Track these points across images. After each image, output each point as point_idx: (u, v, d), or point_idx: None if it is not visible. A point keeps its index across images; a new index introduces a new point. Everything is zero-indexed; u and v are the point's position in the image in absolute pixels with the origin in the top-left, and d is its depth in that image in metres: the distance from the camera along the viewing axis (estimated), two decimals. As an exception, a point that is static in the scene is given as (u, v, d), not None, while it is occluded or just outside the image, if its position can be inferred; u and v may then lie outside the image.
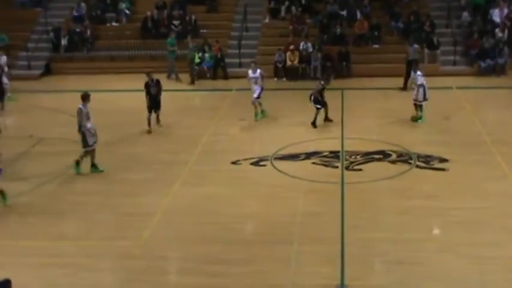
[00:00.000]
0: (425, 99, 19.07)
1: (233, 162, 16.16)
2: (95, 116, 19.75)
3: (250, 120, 19.59)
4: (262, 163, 16.13)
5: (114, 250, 11.93)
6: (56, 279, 10.96)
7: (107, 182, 15.29)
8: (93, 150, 15.75)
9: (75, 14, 28.43)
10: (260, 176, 15.47)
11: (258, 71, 19.66)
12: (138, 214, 13.44)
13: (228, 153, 16.77)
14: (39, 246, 12.13)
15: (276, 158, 16.38)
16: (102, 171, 15.75)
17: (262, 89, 19.58)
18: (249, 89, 20.01)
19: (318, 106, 18.69)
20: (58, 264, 11.42)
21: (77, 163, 15.73)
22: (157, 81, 18.93)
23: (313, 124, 18.66)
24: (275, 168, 15.83)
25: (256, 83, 19.57)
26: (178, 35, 26.50)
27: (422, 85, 19.02)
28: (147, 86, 18.79)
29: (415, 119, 19.08)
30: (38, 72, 26.51)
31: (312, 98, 18.76)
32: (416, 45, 23.68)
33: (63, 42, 27.24)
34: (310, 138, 17.86)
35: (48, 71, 26.85)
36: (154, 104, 18.79)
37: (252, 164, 16.10)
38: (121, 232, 12.66)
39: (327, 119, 19.04)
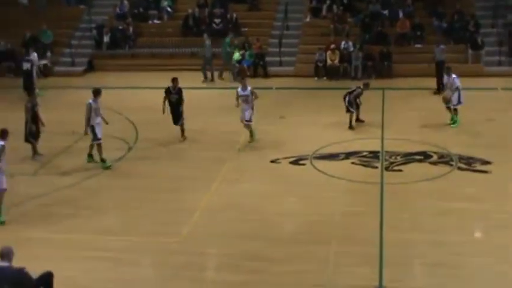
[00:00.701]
0: (459, 102, 18.54)
1: (272, 161, 16.20)
2: (137, 112, 20.11)
3: (290, 118, 19.58)
4: (301, 162, 16.13)
5: (155, 245, 12.08)
6: (98, 273, 11.15)
7: (148, 178, 15.47)
8: (100, 145, 16.10)
9: (118, 11, 28.80)
10: (299, 174, 15.47)
11: (249, 88, 17.83)
12: (178, 210, 13.58)
13: (268, 151, 16.81)
14: (82, 240, 12.34)
15: (315, 157, 16.36)
16: (109, 166, 16.11)
17: (252, 110, 17.73)
18: (289, 88, 20.04)
19: (352, 110, 18.51)
20: (100, 258, 11.61)
21: (90, 155, 16.33)
22: (179, 90, 17.88)
23: (351, 127, 18.48)
24: (314, 167, 15.81)
25: (246, 101, 17.68)
26: (218, 33, 26.65)
27: (457, 88, 18.49)
28: (167, 92, 17.87)
29: (452, 123, 18.61)
30: (81, 68, 26.93)
31: (347, 100, 18.48)
32: (442, 46, 23.23)
33: (106, 39, 27.62)
34: (350, 138, 17.79)
35: (90, 68, 27.26)
36: (174, 115, 17.79)
37: (291, 162, 16.12)
38: (162, 228, 12.81)
39: (358, 120, 18.90)
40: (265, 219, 13.07)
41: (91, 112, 15.89)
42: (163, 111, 17.60)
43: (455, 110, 18.62)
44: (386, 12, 27.26)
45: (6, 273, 9.01)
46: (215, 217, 13.27)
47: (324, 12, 27.91)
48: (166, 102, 17.80)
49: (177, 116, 17.79)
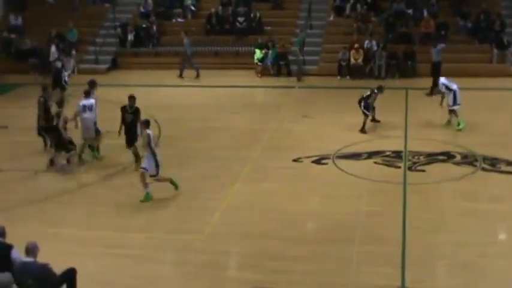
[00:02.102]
0: (455, 103, 18.10)
1: (295, 160, 16.18)
2: (159, 110, 20.20)
3: (313, 117, 19.54)
4: (323, 161, 16.09)
5: (177, 243, 12.14)
6: (121, 270, 11.22)
7: (172, 175, 15.50)
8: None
9: (142, 10, 28.97)
10: (321, 174, 15.43)
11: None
12: (201, 208, 13.62)
13: (290, 150, 16.79)
14: (105, 237, 12.43)
15: (337, 157, 16.31)
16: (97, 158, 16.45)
17: None
18: (312, 87, 20.01)
19: (368, 113, 18.22)
20: (123, 255, 11.68)
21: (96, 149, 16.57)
22: (137, 109, 15.64)
23: (363, 130, 18.05)
24: (336, 166, 15.76)
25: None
26: (242, 32, 26.70)
27: (452, 90, 18.09)
28: (123, 111, 15.68)
29: (458, 126, 18.20)
30: (105, 66, 27.12)
31: (363, 104, 18.15)
32: (442, 45, 22.74)
33: (130, 37, 27.77)
34: (373, 138, 17.70)
35: (114, 66, 27.44)
36: (128, 136, 15.65)
37: (313, 162, 16.08)
38: (184, 226, 12.85)
39: (374, 120, 18.72)
40: (287, 219, 13.05)
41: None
42: (119, 133, 15.74)
43: (454, 111, 18.20)
44: (410, 11, 27.08)
45: (31, 268, 9.16)
46: (237, 216, 13.29)
47: (347, 11, 27.81)
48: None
49: (131, 138, 15.67)
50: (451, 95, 18.17)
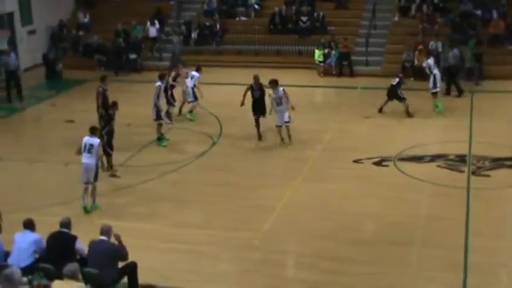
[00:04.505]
0: (435, 86, 19.62)
1: (355, 161, 16.01)
2: (221, 108, 20.34)
3: (375, 118, 19.33)
4: (384, 163, 15.88)
5: (234, 241, 12.19)
6: (179, 264, 11.35)
7: (231, 174, 15.61)
8: (161, 125, 17.34)
9: (206, 8, 29.18)
10: (382, 176, 15.23)
11: (280, 89, 16.90)
12: (259, 207, 13.64)
13: (351, 151, 16.62)
14: (164, 232, 12.59)
15: (399, 159, 16.07)
16: (165, 146, 17.22)
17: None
18: (375, 88, 19.74)
19: (405, 97, 19.39)
20: (181, 250, 11.82)
21: (159, 138, 17.26)
22: (261, 86, 17.57)
23: (410, 114, 19.25)
24: (398, 169, 15.53)
25: (281, 103, 16.86)
26: (305, 32, 26.61)
27: (431, 71, 19.66)
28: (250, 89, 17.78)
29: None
30: (168, 63, 27.41)
31: (400, 92, 19.36)
32: (457, 50, 22.56)
33: (194, 35, 28.05)
34: (436, 140, 17.38)
35: (172, 62, 27.68)
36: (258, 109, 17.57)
37: (374, 163, 15.89)
38: (242, 223, 12.90)
39: (380, 111, 19.63)
40: (346, 220, 12.94)
41: (159, 93, 17.11)
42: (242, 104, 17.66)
43: (434, 94, 19.61)
44: (479, 12, 26.41)
45: (106, 244, 9.69)
46: (295, 215, 13.25)
47: (412, 11, 27.33)
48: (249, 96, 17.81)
49: (262, 110, 17.53)
50: (431, 78, 19.61)
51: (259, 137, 17.57)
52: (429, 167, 15.59)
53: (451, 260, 11.19)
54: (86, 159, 13.44)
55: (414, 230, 12.49)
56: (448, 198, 13.84)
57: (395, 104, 19.84)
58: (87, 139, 13.50)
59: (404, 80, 20.09)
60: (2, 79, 23.59)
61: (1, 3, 23.45)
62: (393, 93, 19.54)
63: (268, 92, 17.23)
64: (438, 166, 15.62)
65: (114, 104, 15.73)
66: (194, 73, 19.75)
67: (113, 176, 15.38)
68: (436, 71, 19.78)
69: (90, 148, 13.38)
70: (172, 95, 18.99)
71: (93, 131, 13.69)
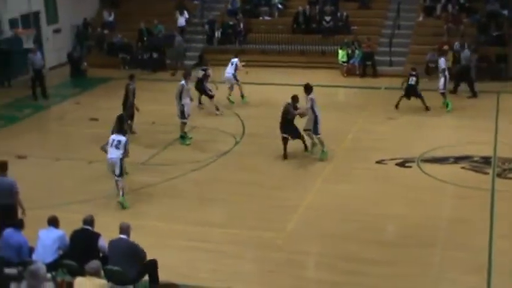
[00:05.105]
0: (445, 87, 19.96)
1: (378, 162, 15.93)
2: (244, 107, 20.38)
3: (398, 119, 19.21)
4: (408, 164, 15.77)
5: (257, 240, 12.18)
6: (200, 263, 11.37)
7: (253, 173, 15.61)
8: (186, 124, 17.46)
9: (230, 7, 29.23)
10: (405, 177, 15.14)
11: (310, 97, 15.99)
12: (281, 207, 13.62)
13: (374, 151, 16.54)
14: (186, 230, 12.62)
15: (422, 160, 15.95)
16: (188, 144, 17.29)
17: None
18: (399, 88, 19.63)
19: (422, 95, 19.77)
20: (203, 249, 11.84)
21: (182, 136, 17.38)
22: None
23: (428, 108, 19.77)
24: (421, 170, 15.42)
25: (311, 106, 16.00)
26: (329, 31, 26.53)
27: (443, 70, 19.91)
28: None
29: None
30: (191, 62, 27.49)
31: (418, 89, 19.72)
32: (467, 51, 22.39)
33: (217, 34, 28.11)
34: (460, 142, 17.19)
35: (201, 62, 27.73)
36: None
37: (397, 164, 15.79)
38: (265, 223, 12.89)
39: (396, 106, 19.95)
40: (368, 221, 12.88)
41: (182, 91, 17.18)
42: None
43: (443, 94, 19.91)
44: (506, 12, 26.10)
45: (125, 243, 9.71)
46: (318, 216, 13.22)
47: (438, 11, 27.13)
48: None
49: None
50: (443, 79, 19.83)
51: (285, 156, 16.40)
52: (453, 169, 15.45)
53: (475, 262, 11.09)
54: (112, 154, 13.69)
55: (437, 231, 12.40)
56: (472, 200, 13.71)
57: (418, 104, 19.71)
58: (115, 136, 13.83)
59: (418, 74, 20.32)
60: (29, 77, 23.94)
61: (27, 3, 23.71)
62: (412, 92, 19.79)
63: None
64: (462, 168, 15.48)
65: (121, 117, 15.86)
66: (234, 59, 21.52)
67: None
68: (447, 72, 20.05)
69: (117, 144, 13.66)
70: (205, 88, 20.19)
71: (121, 128, 14.23)
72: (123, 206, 13.69)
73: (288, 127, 16.08)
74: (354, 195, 14.12)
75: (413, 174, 15.24)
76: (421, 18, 27.29)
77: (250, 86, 22.19)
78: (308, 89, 16.14)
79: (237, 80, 21.27)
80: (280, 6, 29.09)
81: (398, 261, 11.29)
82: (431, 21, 26.96)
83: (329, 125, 18.40)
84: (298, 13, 27.88)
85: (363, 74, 25.22)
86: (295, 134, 16.15)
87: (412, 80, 19.86)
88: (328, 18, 27.49)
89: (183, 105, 17.25)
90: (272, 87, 23.21)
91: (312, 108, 15.88)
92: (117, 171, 13.72)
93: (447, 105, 19.96)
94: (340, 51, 25.47)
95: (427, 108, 19.73)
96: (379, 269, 11.05)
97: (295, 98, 16.22)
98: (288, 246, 11.95)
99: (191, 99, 18.04)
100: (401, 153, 16.30)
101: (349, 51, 25.54)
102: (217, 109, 20.02)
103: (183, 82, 17.45)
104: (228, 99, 21.06)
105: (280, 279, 10.91)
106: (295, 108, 16.14)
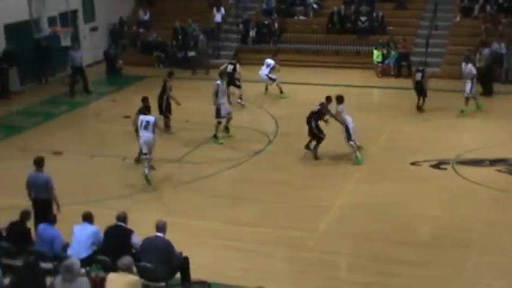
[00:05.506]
0: (471, 92, 19.38)
1: (412, 163, 15.78)
2: (278, 106, 20.39)
3: (434, 120, 18.99)
4: (442, 166, 15.59)
5: (288, 240, 12.16)
6: (232, 262, 11.40)
7: (286, 172, 15.60)
8: (229, 119, 17.67)
9: (265, 7, 29.23)
10: (440, 179, 14.98)
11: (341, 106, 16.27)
12: (314, 207, 13.59)
13: (408, 152, 16.39)
14: (218, 229, 12.66)
15: (458, 162, 15.75)
16: (221, 143, 17.32)
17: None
18: (435, 89, 19.43)
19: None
20: (234, 248, 11.87)
21: (215, 136, 17.45)
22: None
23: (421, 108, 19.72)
24: (456, 172, 15.24)
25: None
26: (364, 32, 26.37)
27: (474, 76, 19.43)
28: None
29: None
30: (226, 61, 27.55)
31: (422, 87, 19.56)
32: (488, 51, 22.20)
33: (252, 34, 28.14)
34: (496, 144, 16.91)
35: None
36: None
37: (432, 166, 15.63)
38: (297, 223, 12.86)
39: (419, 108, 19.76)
40: (402, 222, 12.78)
41: (218, 91, 17.35)
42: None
43: (469, 99, 19.28)
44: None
45: (160, 241, 9.74)
46: (350, 216, 13.15)
47: (475, 12, 26.76)
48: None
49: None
50: (470, 84, 19.31)
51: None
52: (489, 171, 15.24)
53: (509, 266, 10.92)
54: (144, 133, 14.80)
55: (471, 233, 12.26)
56: (508, 203, 13.52)
57: (454, 106, 19.46)
58: (143, 117, 14.97)
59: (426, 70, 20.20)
60: (66, 74, 24.32)
61: (66, 1, 23.99)
62: (418, 88, 19.66)
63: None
64: (498, 170, 15.25)
65: (146, 99, 16.52)
66: (270, 61, 22.04)
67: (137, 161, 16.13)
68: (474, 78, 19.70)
69: (146, 125, 14.75)
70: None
71: (146, 110, 15.59)
72: (147, 179, 14.58)
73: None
74: (388, 195, 14.02)
75: (448, 176, 15.07)
76: (458, 19, 26.95)
77: (284, 85, 22.17)
78: (338, 99, 16.30)
79: (272, 80, 21.66)
80: (315, 6, 28.98)
81: (432, 262, 11.18)
82: (469, 21, 26.61)
83: (363, 126, 18.28)
84: (333, 13, 27.75)
85: (398, 75, 24.99)
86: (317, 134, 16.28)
87: (418, 76, 19.67)
88: (363, 18, 27.31)
89: (219, 105, 17.36)
90: (306, 87, 23.14)
91: (341, 117, 16.11)
92: (145, 150, 14.70)
93: (462, 111, 19.44)
94: (375, 52, 25.30)
95: (420, 108, 19.72)
96: (411, 270, 10.96)
97: (328, 99, 16.34)
98: (320, 246, 11.91)
99: (229, 101, 18.18)
100: (436, 155, 16.12)
101: (384, 52, 25.36)
102: (241, 98, 20.41)
103: (218, 82, 17.59)
104: (277, 92, 21.63)
105: (312, 279, 10.88)
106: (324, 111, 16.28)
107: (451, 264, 11.09)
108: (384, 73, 25.05)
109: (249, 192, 14.52)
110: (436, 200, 13.78)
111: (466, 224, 12.64)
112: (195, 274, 10.10)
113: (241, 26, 28.58)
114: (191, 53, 26.94)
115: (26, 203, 11.79)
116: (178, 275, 10.04)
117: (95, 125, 20.28)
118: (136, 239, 9.96)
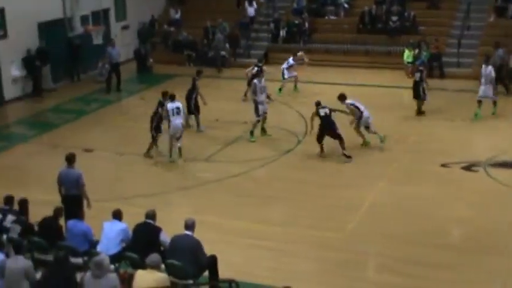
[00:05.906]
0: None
1: (443, 165, 15.61)
2: (307, 106, 20.28)
3: (466, 122, 18.77)
4: (474, 168, 15.41)
5: (317, 239, 12.13)
6: (259, 261, 11.41)
7: (315, 172, 15.57)
8: (264, 119, 17.74)
9: (295, 6, 29.18)
10: (471, 181, 14.81)
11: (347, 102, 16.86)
12: (343, 207, 13.54)
13: (438, 154, 16.23)
14: (247, 228, 12.68)
15: (490, 164, 15.55)
16: (254, 141, 17.46)
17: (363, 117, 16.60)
18: (466, 90, 19.18)
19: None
20: (262, 247, 11.87)
21: (251, 133, 17.50)
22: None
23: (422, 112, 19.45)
24: (488, 174, 15.04)
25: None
26: (395, 32, 26.19)
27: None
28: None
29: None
30: (254, 60, 27.55)
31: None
32: (501, 50, 21.69)
33: (282, 33, 28.10)
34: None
35: (265, 60, 27.80)
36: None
37: (463, 168, 15.45)
38: (325, 222, 12.83)
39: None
40: (431, 224, 12.66)
41: (256, 90, 17.48)
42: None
43: (481, 102, 18.72)
44: None
45: (189, 239, 9.76)
46: (379, 217, 13.07)
47: (510, 11, 26.38)
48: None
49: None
50: (491, 87, 18.76)
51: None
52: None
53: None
54: (177, 119, 15.81)
55: (504, 238, 12.08)
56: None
57: (486, 108, 19.19)
58: (171, 104, 15.91)
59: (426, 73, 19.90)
60: (97, 72, 24.59)
61: (98, 0, 24.27)
62: (417, 89, 19.33)
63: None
64: (531, 173, 15.05)
65: (166, 93, 16.68)
66: (291, 60, 22.84)
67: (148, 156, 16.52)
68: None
69: (177, 111, 15.88)
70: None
71: (172, 98, 16.15)
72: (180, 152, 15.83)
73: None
74: (418, 197, 13.90)
75: (480, 179, 14.89)
76: (492, 19, 26.60)
77: (314, 85, 22.14)
78: (340, 97, 16.79)
79: (284, 78, 22.24)
80: (346, 5, 28.84)
81: (460, 266, 11.07)
82: (503, 21, 26.23)
83: (393, 126, 18.24)
84: (364, 13, 27.59)
85: (429, 75, 24.71)
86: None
87: (417, 76, 19.42)
88: (394, 18, 27.10)
89: (257, 103, 17.42)
90: (335, 87, 23.01)
91: (351, 109, 16.60)
92: (178, 134, 15.76)
93: (476, 115, 18.89)
94: (406, 52, 25.05)
95: (419, 112, 19.46)
96: (439, 273, 10.86)
97: (341, 97, 16.87)
98: (348, 246, 11.87)
99: (269, 98, 18.19)
100: (467, 157, 15.95)
101: (416, 52, 25.11)
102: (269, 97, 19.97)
103: (255, 80, 17.75)
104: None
105: (339, 279, 10.84)
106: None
107: (481, 269, 10.96)
108: (414, 73, 24.77)
109: (278, 191, 14.51)
110: (466, 203, 13.63)
111: (496, 227, 12.47)
112: (224, 272, 10.11)
113: (271, 25, 28.57)
114: (222, 52, 27.02)
115: (58, 199, 11.96)
116: (206, 273, 10.06)
117: (124, 123, 20.41)
118: (165, 236, 10.01)
